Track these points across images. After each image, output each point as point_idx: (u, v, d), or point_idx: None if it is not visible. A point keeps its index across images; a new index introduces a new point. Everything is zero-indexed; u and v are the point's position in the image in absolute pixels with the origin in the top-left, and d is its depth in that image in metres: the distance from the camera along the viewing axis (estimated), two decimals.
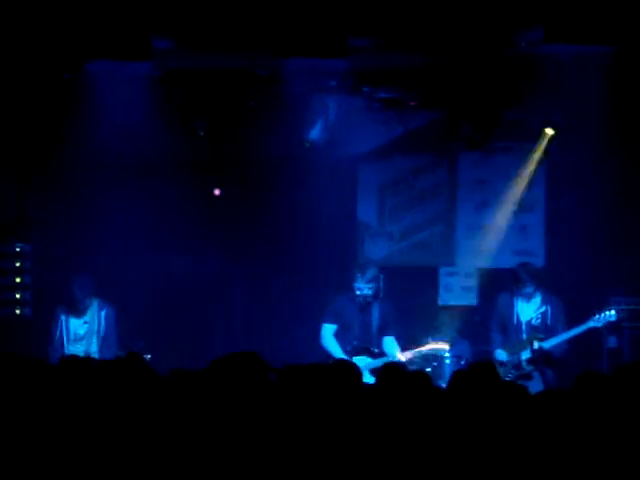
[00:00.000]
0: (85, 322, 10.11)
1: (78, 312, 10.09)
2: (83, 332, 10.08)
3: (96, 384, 5.15)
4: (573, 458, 4.53)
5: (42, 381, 5.13)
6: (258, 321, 12.11)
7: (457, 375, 5.50)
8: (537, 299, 10.12)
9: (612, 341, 11.08)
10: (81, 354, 9.79)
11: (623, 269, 11.30)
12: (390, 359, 9.64)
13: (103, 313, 10.16)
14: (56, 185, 11.63)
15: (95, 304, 10.16)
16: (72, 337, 10.06)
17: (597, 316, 9.83)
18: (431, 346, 10.17)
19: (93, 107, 10.68)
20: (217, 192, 12.26)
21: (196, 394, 4.98)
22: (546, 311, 10.07)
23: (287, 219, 12.11)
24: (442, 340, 10.45)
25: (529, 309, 10.13)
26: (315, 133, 11.66)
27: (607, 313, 9.83)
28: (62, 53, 10.07)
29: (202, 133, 11.63)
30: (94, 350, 10.02)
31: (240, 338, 11.74)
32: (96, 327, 10.10)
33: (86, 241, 11.64)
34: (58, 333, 10.08)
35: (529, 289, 10.06)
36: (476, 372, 5.49)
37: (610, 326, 10.62)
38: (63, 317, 10.12)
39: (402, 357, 9.81)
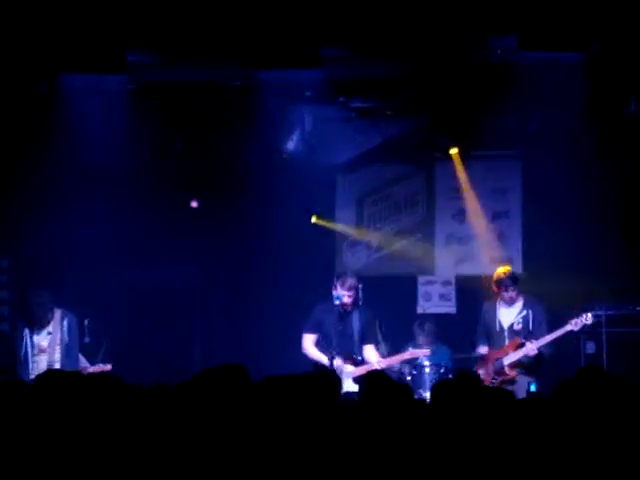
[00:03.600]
0: (49, 333, 9.99)
1: (40, 325, 9.99)
2: (47, 344, 9.97)
3: (75, 399, 5.11)
4: (555, 464, 4.53)
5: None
6: (237, 331, 12.08)
7: (440, 386, 5.49)
8: (519, 304, 10.18)
9: (590, 347, 11.15)
10: (44, 366, 9.75)
11: (600, 275, 11.34)
12: (370, 367, 9.68)
13: (65, 323, 10.04)
14: (33, 198, 11.57)
15: (58, 315, 10.06)
16: (36, 350, 9.96)
17: (574, 320, 9.91)
18: (411, 353, 10.18)
19: (69, 120, 10.65)
20: (194, 204, 12.23)
21: (176, 407, 4.95)
22: (527, 315, 10.13)
23: (265, 230, 12.10)
24: (421, 347, 10.47)
25: (511, 314, 10.19)
26: (292, 144, 11.66)
27: (584, 316, 9.90)
28: (37, 66, 10.03)
29: (179, 145, 11.61)
30: (57, 360, 9.92)
31: (219, 349, 11.73)
32: (60, 337, 9.99)
33: (64, 254, 11.59)
34: (24, 348, 9.97)
35: (511, 293, 10.11)
36: (460, 381, 5.49)
37: (587, 330, 10.77)
38: (27, 331, 10.01)
39: (380, 365, 9.82)
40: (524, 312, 10.15)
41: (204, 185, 12.11)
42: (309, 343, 10.08)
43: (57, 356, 9.93)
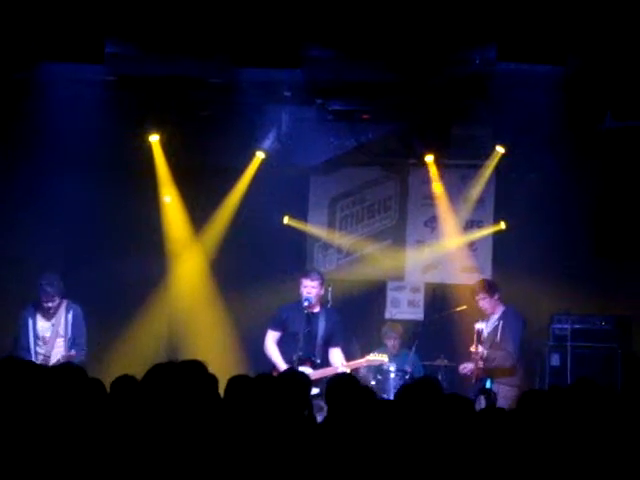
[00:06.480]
0: (52, 324, 10.03)
1: (47, 314, 10.02)
2: (49, 335, 10.01)
3: (36, 389, 5.07)
4: (514, 472, 4.55)
5: None
6: (205, 327, 12.07)
7: (404, 390, 5.51)
8: (496, 316, 10.28)
9: (555, 359, 11.20)
10: (42, 356, 9.78)
11: (568, 288, 11.39)
12: (334, 370, 9.67)
13: (70, 316, 10.08)
14: (4, 185, 11.51)
15: (63, 306, 10.08)
16: (40, 342, 9.97)
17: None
18: (371, 358, 10.20)
19: (46, 108, 10.58)
20: (167, 199, 12.18)
21: (138, 402, 4.93)
22: (498, 325, 10.21)
23: (237, 229, 12.07)
24: (382, 352, 10.49)
25: (490, 323, 10.29)
26: (268, 143, 11.64)
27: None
28: (16, 53, 9.96)
29: (154, 139, 11.56)
30: (56, 352, 9.95)
31: (185, 345, 11.71)
32: (62, 330, 10.03)
33: (36, 243, 11.56)
34: (23, 336, 9.98)
35: (481, 302, 10.22)
36: (421, 386, 5.51)
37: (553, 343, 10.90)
38: (30, 319, 10.01)
39: (345, 369, 9.83)
40: (497, 322, 10.26)
41: (178, 180, 12.06)
42: (271, 341, 10.10)
43: (56, 349, 9.96)
